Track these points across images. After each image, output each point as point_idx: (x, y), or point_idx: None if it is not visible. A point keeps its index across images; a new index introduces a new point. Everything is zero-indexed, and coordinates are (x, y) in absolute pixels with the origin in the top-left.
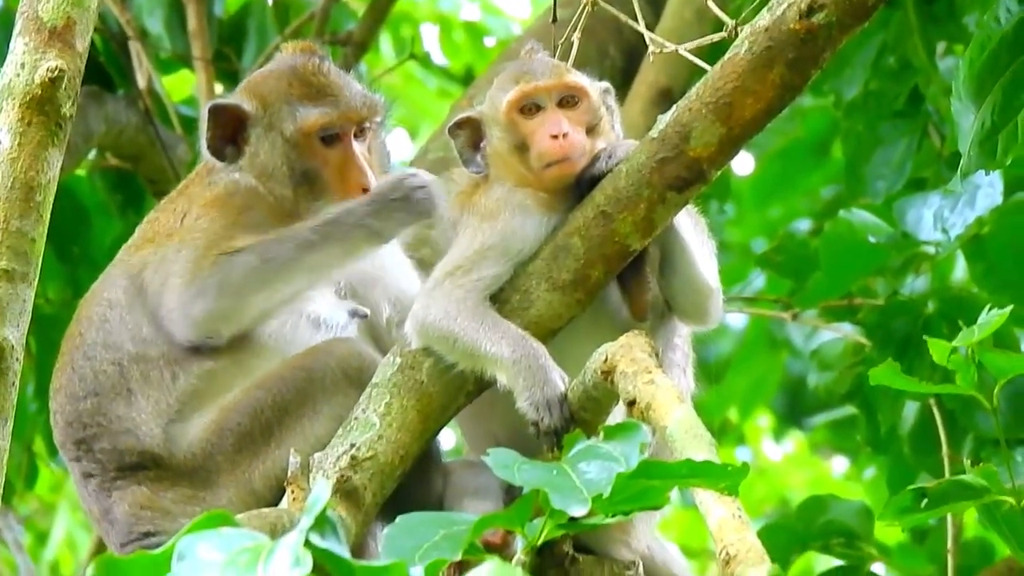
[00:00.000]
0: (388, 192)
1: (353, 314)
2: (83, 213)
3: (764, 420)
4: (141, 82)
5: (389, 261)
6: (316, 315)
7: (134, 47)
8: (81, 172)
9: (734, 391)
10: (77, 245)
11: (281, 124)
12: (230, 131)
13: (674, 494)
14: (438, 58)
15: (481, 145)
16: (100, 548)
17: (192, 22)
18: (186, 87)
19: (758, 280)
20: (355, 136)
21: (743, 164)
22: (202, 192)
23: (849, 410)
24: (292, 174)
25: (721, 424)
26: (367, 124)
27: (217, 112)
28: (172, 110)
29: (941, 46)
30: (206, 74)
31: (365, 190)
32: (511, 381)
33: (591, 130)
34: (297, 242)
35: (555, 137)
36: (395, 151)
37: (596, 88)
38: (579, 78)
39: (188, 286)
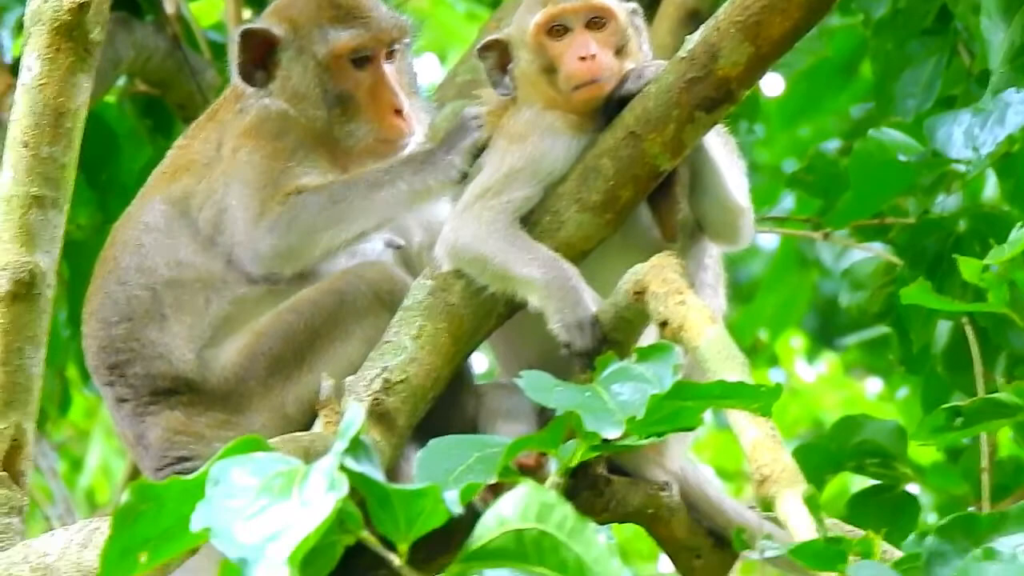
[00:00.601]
0: (452, 133)
1: (389, 244)
2: (112, 139)
3: (797, 341)
4: (169, 8)
5: None
6: (353, 246)
7: None
8: (110, 98)
9: (764, 311)
10: (107, 171)
11: (312, 47)
12: (260, 55)
13: (708, 415)
14: None
15: (509, 67)
16: (135, 474)
17: None
18: (214, 12)
19: (788, 200)
20: (385, 58)
21: (772, 85)
22: (233, 120)
23: (882, 330)
24: (325, 97)
25: (752, 344)
26: (396, 46)
27: (248, 37)
28: (200, 35)
29: None
30: None
31: (398, 111)
32: (542, 303)
33: (619, 51)
34: (368, 184)
35: (583, 59)
36: (424, 75)
37: (624, 8)
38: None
39: (255, 223)
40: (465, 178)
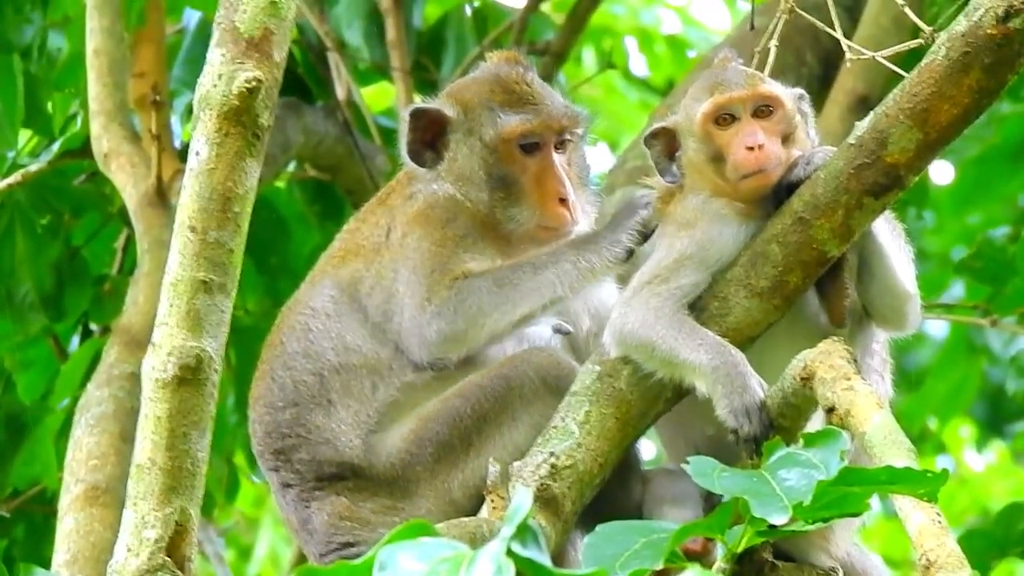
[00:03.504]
0: (619, 214)
1: (557, 330)
2: (282, 224)
3: (966, 430)
4: (340, 93)
5: None
6: (520, 330)
7: (332, 58)
8: (280, 183)
9: (933, 398)
10: (276, 256)
11: (481, 129)
12: (430, 136)
13: (875, 502)
14: (640, 70)
15: (676, 154)
16: (301, 560)
17: (391, 33)
18: (385, 98)
19: (957, 288)
20: (556, 148)
21: (942, 172)
22: (403, 205)
23: None
24: (489, 179)
25: (921, 432)
26: (568, 136)
27: (418, 116)
28: (371, 121)
29: None
30: (405, 85)
31: (563, 200)
32: (710, 388)
33: (786, 139)
34: (534, 266)
35: (751, 149)
36: (596, 164)
37: (790, 96)
38: (773, 87)
39: (422, 308)
40: (631, 256)
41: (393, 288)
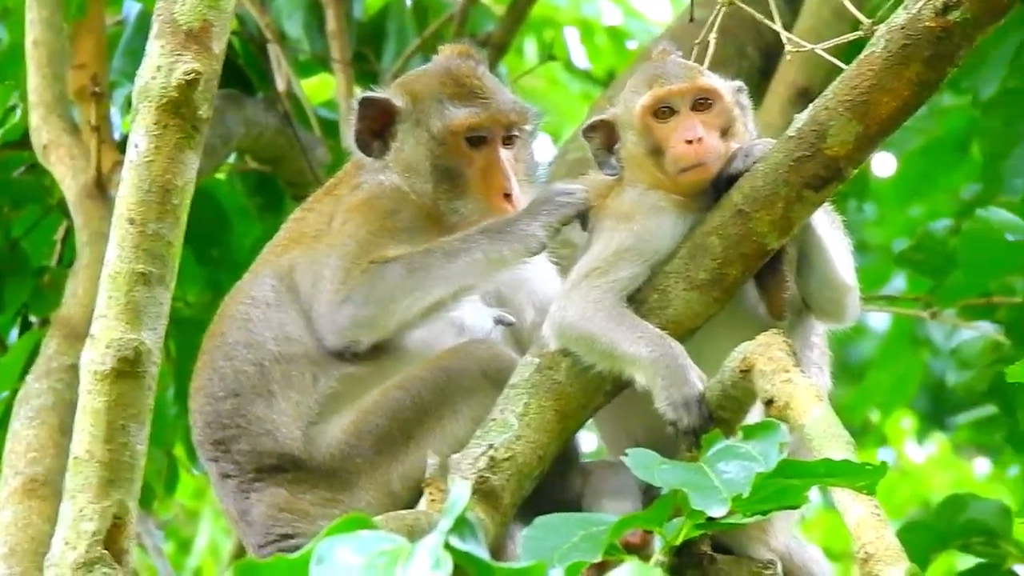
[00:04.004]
0: (536, 203)
1: (499, 321)
2: (223, 216)
3: (907, 422)
4: (280, 85)
5: (533, 265)
6: (461, 321)
7: (273, 50)
8: (221, 175)
9: (876, 391)
10: (217, 248)
11: (429, 120)
12: (379, 125)
13: (816, 495)
14: (581, 62)
15: (615, 147)
16: (241, 552)
17: (331, 24)
18: (325, 90)
19: (899, 280)
20: (503, 143)
21: (884, 164)
22: (349, 194)
23: (991, 409)
24: (435, 171)
25: (863, 424)
26: (515, 131)
27: (367, 104)
28: (311, 112)
29: None
30: (345, 76)
31: (507, 196)
32: (649, 381)
33: (725, 131)
34: (445, 253)
35: (689, 142)
36: (539, 156)
37: (729, 88)
38: (712, 80)
39: (336, 292)
40: (544, 249)
41: (320, 274)
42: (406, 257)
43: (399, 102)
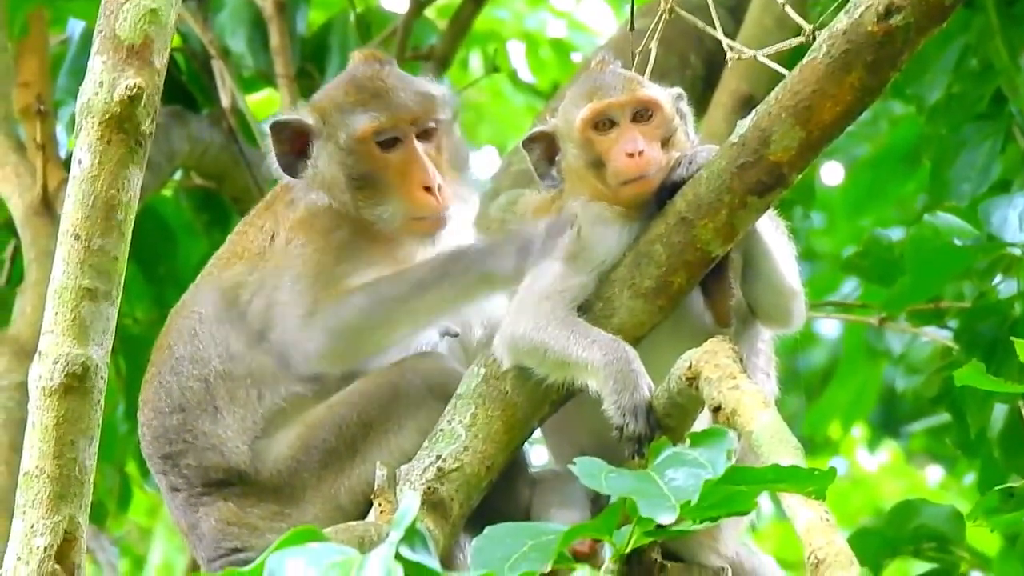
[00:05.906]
0: (516, 240)
1: (444, 333)
2: (169, 233)
3: (857, 430)
4: (224, 101)
5: None
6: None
7: (217, 66)
8: (166, 192)
9: (836, 405)
10: (163, 265)
11: (337, 133)
12: (298, 146)
13: (765, 502)
14: (525, 75)
15: (556, 159)
16: (194, 568)
17: (274, 40)
18: (271, 105)
19: (849, 288)
20: (419, 137)
21: (833, 173)
22: (286, 211)
23: (944, 417)
24: (351, 181)
25: (823, 439)
26: (430, 124)
27: (279, 129)
28: (256, 128)
29: None
30: (289, 91)
31: (427, 188)
32: (601, 385)
33: (666, 141)
34: (418, 282)
35: (631, 155)
36: (484, 167)
37: (669, 97)
38: (652, 91)
39: (305, 321)
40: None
41: (275, 297)
42: (376, 286)
43: (310, 120)
